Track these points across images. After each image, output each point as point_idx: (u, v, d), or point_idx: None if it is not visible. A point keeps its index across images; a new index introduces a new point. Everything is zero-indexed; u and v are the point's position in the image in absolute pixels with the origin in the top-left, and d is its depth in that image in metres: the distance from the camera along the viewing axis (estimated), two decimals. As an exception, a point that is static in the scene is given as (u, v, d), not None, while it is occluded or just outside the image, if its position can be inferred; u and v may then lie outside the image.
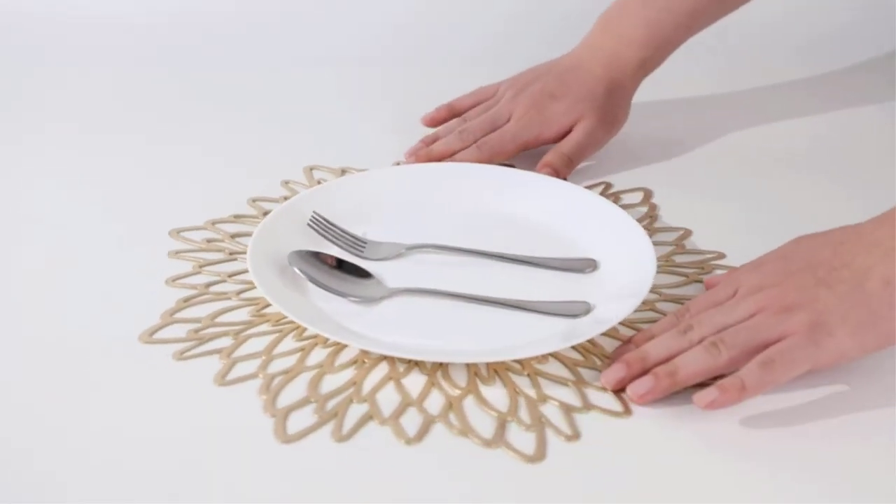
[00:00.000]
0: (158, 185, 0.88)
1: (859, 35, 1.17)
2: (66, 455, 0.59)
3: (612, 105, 0.91)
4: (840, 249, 0.65)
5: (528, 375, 0.66)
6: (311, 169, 0.90)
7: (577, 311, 0.70)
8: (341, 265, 0.73)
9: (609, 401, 0.64)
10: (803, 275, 0.64)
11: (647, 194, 0.87)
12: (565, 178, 0.88)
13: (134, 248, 0.78)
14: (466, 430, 0.62)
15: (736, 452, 0.61)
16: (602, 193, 0.87)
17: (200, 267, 0.76)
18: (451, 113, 0.94)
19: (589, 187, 0.87)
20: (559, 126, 0.89)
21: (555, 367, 0.67)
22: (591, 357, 0.68)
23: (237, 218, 0.82)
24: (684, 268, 0.77)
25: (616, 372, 0.64)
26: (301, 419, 0.62)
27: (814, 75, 1.12)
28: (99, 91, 1.06)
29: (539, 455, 0.60)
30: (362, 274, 0.73)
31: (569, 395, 0.64)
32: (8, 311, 0.71)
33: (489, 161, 0.87)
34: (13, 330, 0.69)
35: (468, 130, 0.89)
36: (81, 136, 0.97)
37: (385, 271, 0.75)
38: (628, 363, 0.64)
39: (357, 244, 0.77)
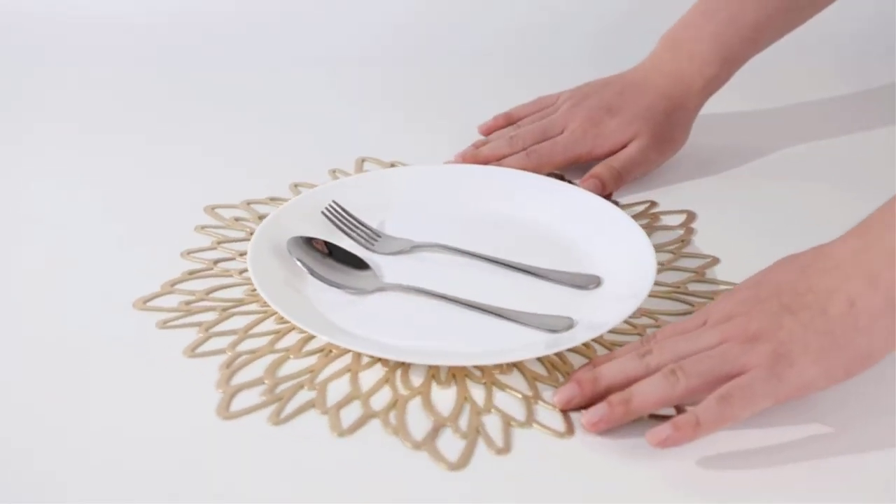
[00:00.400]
0: (158, 184, 0.88)
1: (864, 36, 1.15)
2: (66, 455, 0.59)
3: (670, 125, 0.89)
4: (806, 272, 0.62)
5: (485, 384, 0.65)
6: (363, 160, 0.91)
7: (558, 325, 0.69)
8: (332, 253, 0.74)
9: (554, 419, 0.63)
10: (770, 302, 0.61)
11: (690, 217, 0.85)
12: (611, 194, 0.86)
13: (134, 247, 0.79)
14: (399, 430, 0.62)
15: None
16: (644, 212, 0.85)
17: (218, 243, 0.79)
18: (508, 121, 0.93)
19: (631, 205, 0.86)
20: (613, 143, 0.87)
21: (516, 379, 0.66)
22: (555, 373, 0.67)
23: (273, 200, 0.85)
24: (695, 297, 0.75)
25: (567, 391, 0.63)
26: (249, 399, 0.64)
27: (817, 77, 1.11)
28: (99, 91, 1.06)
29: (461, 464, 0.60)
30: (360, 264, 0.74)
31: (516, 408, 0.64)
32: (8, 311, 0.72)
33: (537, 170, 0.85)
34: (13, 330, 0.70)
35: (518, 136, 0.88)
36: (81, 136, 0.97)
37: (388, 265, 0.76)
38: (580, 382, 0.63)
39: (370, 237, 0.78)
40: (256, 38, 1.15)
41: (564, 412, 0.63)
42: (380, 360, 0.67)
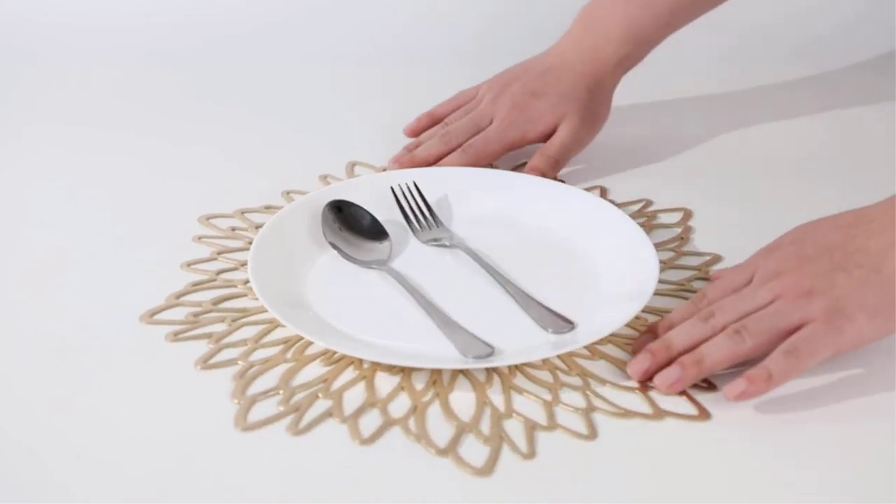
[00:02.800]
0: (159, 184, 0.88)
1: (860, 35, 1.15)
2: (66, 455, 0.59)
3: (594, 103, 0.90)
4: (852, 233, 0.65)
5: (365, 379, 0.66)
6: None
7: (476, 352, 0.66)
8: (344, 219, 0.77)
9: (366, 426, 0.62)
10: (819, 260, 0.65)
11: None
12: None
13: (134, 247, 0.79)
14: (247, 401, 0.64)
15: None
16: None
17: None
18: (433, 120, 0.93)
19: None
20: (544, 125, 0.88)
21: (387, 381, 0.65)
22: (430, 388, 0.65)
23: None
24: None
25: (641, 362, 0.65)
26: (172, 327, 0.69)
27: (813, 75, 1.10)
28: (98, 91, 1.07)
29: (301, 432, 0.61)
30: (380, 235, 0.77)
31: (356, 407, 0.63)
32: (8, 311, 0.72)
33: (475, 164, 0.86)
34: (13, 330, 0.70)
35: (451, 133, 0.88)
36: (82, 135, 0.97)
37: (414, 251, 0.78)
38: (653, 352, 0.65)
39: (424, 222, 0.80)
40: (256, 38, 1.15)
41: (641, 383, 0.65)
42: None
